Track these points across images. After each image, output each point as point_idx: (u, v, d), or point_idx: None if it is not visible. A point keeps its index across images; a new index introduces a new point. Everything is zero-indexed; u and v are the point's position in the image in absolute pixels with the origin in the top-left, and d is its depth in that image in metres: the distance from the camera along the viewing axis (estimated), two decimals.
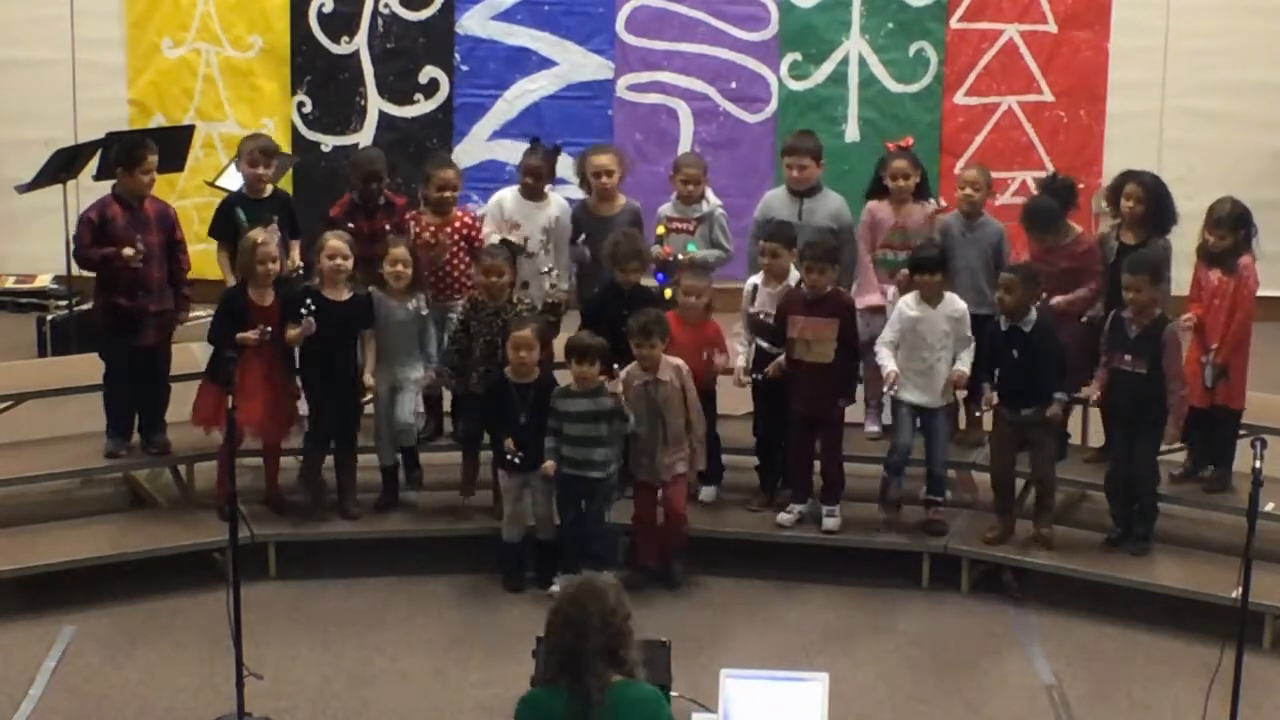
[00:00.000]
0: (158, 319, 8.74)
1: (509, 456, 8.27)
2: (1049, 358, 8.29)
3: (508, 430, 8.27)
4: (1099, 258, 8.72)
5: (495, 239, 8.87)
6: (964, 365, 8.48)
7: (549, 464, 8.21)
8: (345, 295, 8.52)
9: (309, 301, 8.37)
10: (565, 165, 9.53)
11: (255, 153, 9.08)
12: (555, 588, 8.15)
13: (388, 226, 8.97)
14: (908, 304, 8.57)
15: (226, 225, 8.98)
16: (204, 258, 9.53)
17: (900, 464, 8.64)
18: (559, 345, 8.71)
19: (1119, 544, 8.41)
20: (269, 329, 8.32)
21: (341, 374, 8.56)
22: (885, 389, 8.67)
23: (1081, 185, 9.81)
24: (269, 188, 9.19)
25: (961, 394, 8.72)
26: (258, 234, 8.55)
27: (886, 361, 8.49)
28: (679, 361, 8.39)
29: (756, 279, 8.79)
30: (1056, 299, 8.54)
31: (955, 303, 8.56)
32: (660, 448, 8.32)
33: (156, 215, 8.74)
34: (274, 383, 8.50)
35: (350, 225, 8.91)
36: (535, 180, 9.12)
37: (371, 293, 8.62)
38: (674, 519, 8.47)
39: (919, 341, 8.50)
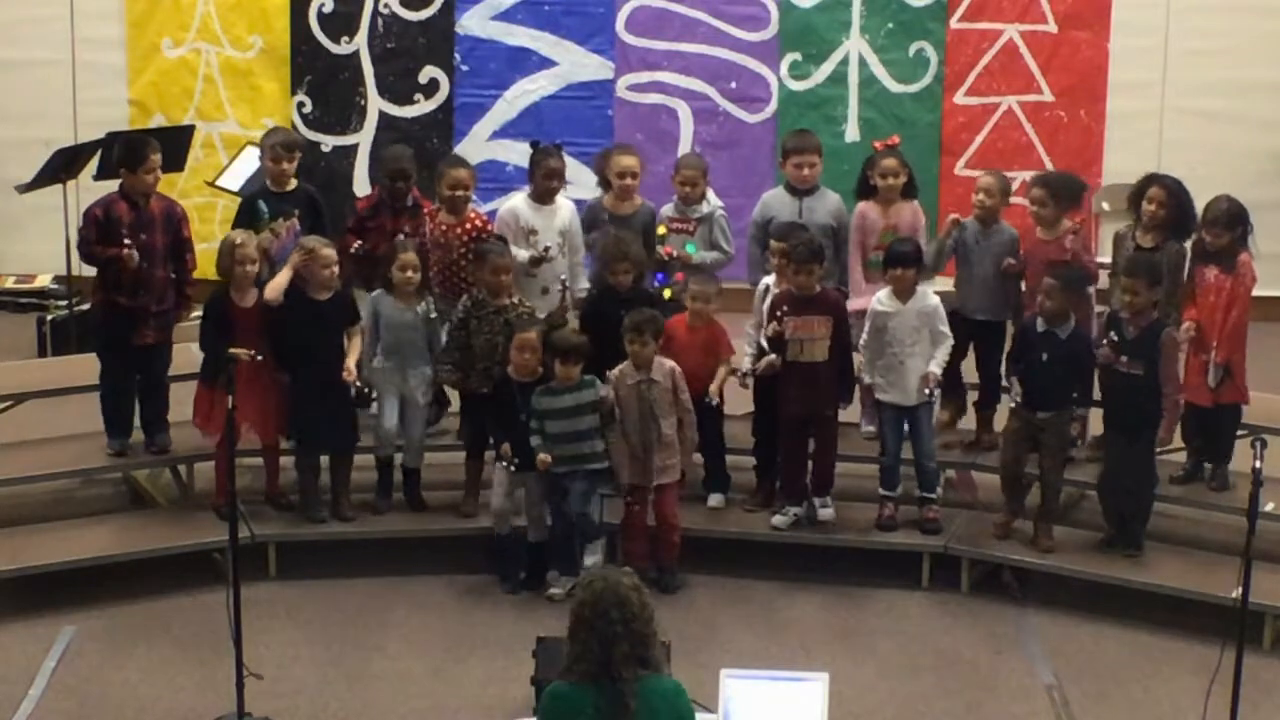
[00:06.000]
0: (158, 319, 8.72)
1: (505, 465, 8.27)
2: (1078, 368, 8.26)
3: (509, 429, 8.24)
4: (1086, 258, 8.73)
5: (521, 254, 8.87)
6: (936, 365, 8.43)
7: (544, 456, 8.15)
8: (325, 295, 8.51)
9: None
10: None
11: (277, 147, 9.04)
12: (555, 590, 8.18)
13: (406, 230, 8.94)
14: (880, 300, 8.54)
15: (249, 218, 8.93)
16: (204, 258, 9.52)
17: (893, 469, 8.63)
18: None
19: (1113, 545, 8.41)
20: (258, 355, 8.24)
21: (330, 376, 8.48)
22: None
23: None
24: (293, 181, 9.13)
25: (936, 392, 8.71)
26: (236, 235, 8.54)
27: (864, 375, 8.50)
28: (672, 364, 8.36)
29: (769, 280, 8.77)
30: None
31: (927, 298, 8.50)
32: (653, 449, 8.30)
33: (162, 214, 8.72)
34: (264, 379, 8.47)
35: (371, 222, 8.96)
36: (559, 182, 9.12)
37: (378, 295, 8.63)
38: (666, 527, 8.43)
39: (889, 338, 8.47)
